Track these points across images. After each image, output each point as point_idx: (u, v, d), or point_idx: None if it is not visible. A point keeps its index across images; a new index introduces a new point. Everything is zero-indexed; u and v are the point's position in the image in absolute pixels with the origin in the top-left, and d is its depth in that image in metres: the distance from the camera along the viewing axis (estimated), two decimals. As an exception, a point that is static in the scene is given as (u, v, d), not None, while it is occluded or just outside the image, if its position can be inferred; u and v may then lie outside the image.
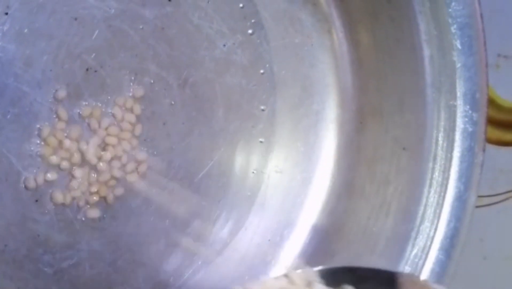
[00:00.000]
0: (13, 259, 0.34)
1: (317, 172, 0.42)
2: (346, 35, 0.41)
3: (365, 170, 0.41)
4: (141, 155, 0.37)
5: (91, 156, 0.35)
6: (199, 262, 0.40)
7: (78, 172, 0.35)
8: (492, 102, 0.52)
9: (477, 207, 0.53)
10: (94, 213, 0.35)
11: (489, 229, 0.54)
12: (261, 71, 0.40)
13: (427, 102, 0.37)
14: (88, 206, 0.35)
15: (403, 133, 0.39)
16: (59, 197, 0.34)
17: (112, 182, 0.36)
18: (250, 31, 0.39)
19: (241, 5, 0.39)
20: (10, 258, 0.34)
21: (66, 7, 0.33)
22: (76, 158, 0.35)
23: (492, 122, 0.52)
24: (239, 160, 0.40)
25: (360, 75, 0.41)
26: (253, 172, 0.41)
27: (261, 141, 0.41)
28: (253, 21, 0.39)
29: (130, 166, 0.37)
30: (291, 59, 0.41)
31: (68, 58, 0.34)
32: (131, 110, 0.36)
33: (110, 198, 0.36)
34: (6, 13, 0.32)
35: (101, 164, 0.35)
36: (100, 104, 0.36)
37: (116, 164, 0.36)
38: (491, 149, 0.53)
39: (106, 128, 0.35)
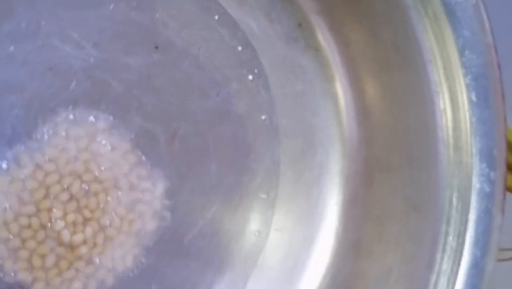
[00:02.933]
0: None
1: (321, 230, 0.39)
2: (351, 83, 0.38)
3: (372, 228, 0.38)
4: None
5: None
6: (189, 332, 0.36)
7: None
8: (515, 148, 0.49)
9: (500, 260, 0.50)
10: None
11: (513, 284, 0.50)
12: (259, 121, 0.37)
13: (439, 159, 0.34)
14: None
15: (414, 191, 0.36)
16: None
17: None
18: (246, 79, 0.36)
19: (239, 48, 0.36)
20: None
21: (39, 57, 0.31)
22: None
23: (515, 169, 0.49)
24: (234, 218, 0.37)
25: (367, 125, 0.38)
26: (249, 231, 0.38)
27: (259, 197, 0.38)
28: (250, 68, 0.36)
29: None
30: (292, 108, 0.38)
31: (42, 112, 0.31)
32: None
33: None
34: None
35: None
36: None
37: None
38: (515, 197, 0.49)
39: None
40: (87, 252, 0.33)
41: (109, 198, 0.34)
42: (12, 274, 0.31)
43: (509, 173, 0.48)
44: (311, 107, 0.38)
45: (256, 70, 0.37)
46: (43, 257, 0.32)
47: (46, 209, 0.32)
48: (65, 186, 0.32)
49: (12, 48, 0.30)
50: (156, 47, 0.34)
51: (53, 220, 0.32)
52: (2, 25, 0.30)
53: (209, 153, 0.36)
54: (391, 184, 0.37)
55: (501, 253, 0.49)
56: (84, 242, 0.33)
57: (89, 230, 0.33)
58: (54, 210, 0.32)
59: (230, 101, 0.36)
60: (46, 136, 0.32)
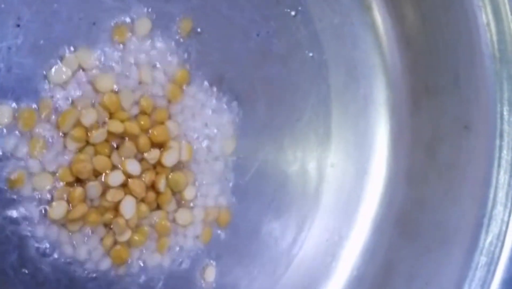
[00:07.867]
0: None
1: (371, 162, 0.39)
2: (389, 10, 0.38)
3: (423, 154, 0.38)
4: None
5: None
6: (255, 272, 0.37)
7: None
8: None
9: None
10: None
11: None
12: (301, 58, 0.37)
13: (486, 75, 0.34)
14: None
15: (463, 111, 0.35)
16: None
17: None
18: (284, 17, 0.36)
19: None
20: None
21: (82, 12, 0.31)
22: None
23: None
24: (286, 157, 0.37)
25: (409, 52, 0.38)
26: (302, 169, 0.38)
27: (307, 135, 0.38)
28: (286, 5, 0.36)
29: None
30: (331, 42, 0.38)
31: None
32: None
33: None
34: (18, 25, 0.29)
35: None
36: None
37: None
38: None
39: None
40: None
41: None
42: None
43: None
44: (350, 39, 0.38)
45: (292, 7, 0.36)
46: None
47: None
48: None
49: (55, 5, 0.30)
50: (195, -8, 0.34)
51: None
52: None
53: (257, 94, 0.36)
54: (439, 107, 0.37)
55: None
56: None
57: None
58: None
59: (270, 41, 0.36)
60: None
